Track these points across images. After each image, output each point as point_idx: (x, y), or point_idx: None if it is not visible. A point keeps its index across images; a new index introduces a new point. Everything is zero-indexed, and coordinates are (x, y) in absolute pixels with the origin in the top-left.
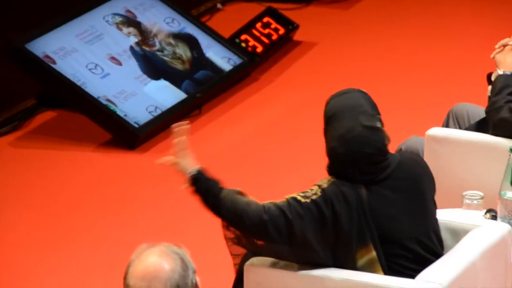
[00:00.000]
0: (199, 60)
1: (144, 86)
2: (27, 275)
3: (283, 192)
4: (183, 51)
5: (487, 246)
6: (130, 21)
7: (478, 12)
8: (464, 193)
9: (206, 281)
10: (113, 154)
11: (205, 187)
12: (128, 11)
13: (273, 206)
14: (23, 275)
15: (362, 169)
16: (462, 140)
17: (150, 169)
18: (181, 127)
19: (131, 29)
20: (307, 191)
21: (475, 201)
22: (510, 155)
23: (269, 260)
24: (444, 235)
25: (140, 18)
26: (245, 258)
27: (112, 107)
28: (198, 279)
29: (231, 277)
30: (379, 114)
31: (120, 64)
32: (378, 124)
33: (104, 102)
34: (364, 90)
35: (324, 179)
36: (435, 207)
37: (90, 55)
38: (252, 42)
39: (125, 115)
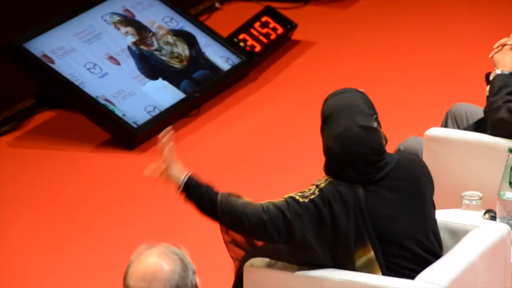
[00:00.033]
0: (198, 59)
1: (143, 86)
2: (26, 275)
3: (281, 192)
4: (182, 49)
5: (486, 247)
6: (128, 20)
7: (477, 12)
8: (463, 193)
9: (206, 282)
10: (111, 154)
11: (199, 193)
12: (127, 10)
13: (272, 206)
14: (22, 275)
15: (359, 169)
16: (461, 140)
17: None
18: (167, 136)
19: (128, 29)
20: (305, 191)
21: (474, 202)
22: (508, 155)
23: (268, 261)
24: (443, 235)
25: (138, 17)
26: (244, 259)
27: (111, 107)
28: (198, 279)
29: (231, 278)
30: (376, 114)
31: (118, 63)
32: (375, 124)
33: (103, 102)
34: (361, 90)
35: (321, 178)
36: (433, 207)
37: (89, 55)
38: (250, 42)
39: (124, 115)
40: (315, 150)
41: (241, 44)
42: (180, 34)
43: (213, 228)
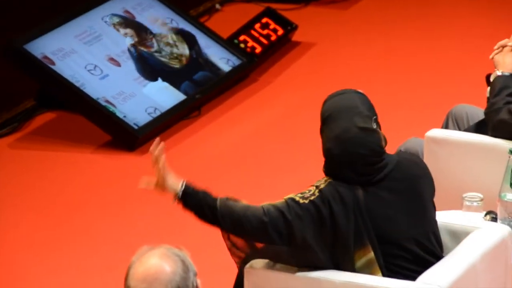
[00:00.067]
0: (198, 60)
1: (143, 87)
2: (27, 276)
3: (282, 193)
4: (182, 49)
5: (487, 248)
6: (127, 22)
7: (477, 13)
8: (464, 195)
9: (207, 283)
10: (112, 155)
11: (197, 200)
12: (127, 11)
13: (272, 207)
14: (23, 276)
15: (358, 170)
16: (462, 142)
17: (149, 171)
18: (159, 148)
19: (128, 30)
20: (305, 192)
21: (474, 203)
22: (509, 157)
23: (268, 262)
24: (444, 237)
25: (138, 18)
26: (244, 261)
27: (111, 108)
28: (199, 281)
29: (232, 279)
30: (375, 115)
31: (119, 65)
32: (374, 126)
33: (103, 103)
34: (361, 91)
35: (321, 179)
36: (434, 208)
37: (89, 56)
38: (251, 43)
39: (124, 116)
40: (315, 151)
41: (242, 45)
42: (182, 33)
43: (214, 229)
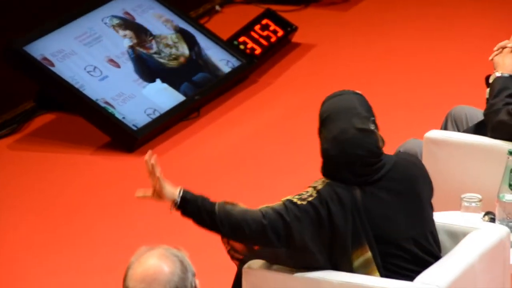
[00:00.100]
0: (197, 61)
1: (143, 88)
2: (27, 277)
3: (281, 194)
4: (182, 49)
5: (485, 249)
6: (127, 23)
7: (477, 14)
8: (463, 195)
9: (206, 284)
10: (111, 156)
11: (196, 207)
12: (127, 13)
13: (271, 210)
14: (23, 277)
15: (355, 171)
16: (461, 143)
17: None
18: (153, 158)
19: (127, 32)
20: (303, 193)
21: (473, 204)
22: (508, 158)
23: (267, 262)
24: (443, 237)
25: (138, 20)
26: (243, 261)
27: (111, 109)
28: (197, 281)
29: (230, 279)
30: (373, 116)
31: (118, 66)
32: (372, 127)
33: (103, 105)
34: (359, 92)
35: (318, 180)
36: (432, 208)
37: (89, 58)
38: (250, 44)
39: (124, 117)
40: (315, 153)
41: (241, 46)
42: (182, 33)
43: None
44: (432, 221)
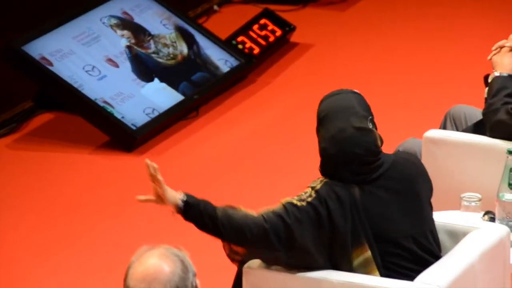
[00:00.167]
0: (196, 61)
1: (141, 88)
2: (27, 277)
3: (280, 193)
4: (180, 47)
5: (485, 248)
6: (125, 23)
7: (476, 13)
8: (462, 195)
9: (206, 284)
10: (110, 156)
11: (198, 211)
12: (125, 12)
13: (271, 213)
14: (23, 277)
15: (353, 170)
16: (460, 142)
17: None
18: (153, 164)
19: (125, 32)
20: (301, 194)
21: (473, 203)
22: (507, 157)
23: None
24: (442, 237)
25: (137, 19)
26: (243, 261)
27: (109, 109)
28: (198, 281)
29: (231, 279)
30: (371, 115)
31: (117, 66)
32: (370, 125)
33: (101, 104)
34: (357, 91)
35: (316, 180)
36: (431, 207)
37: (87, 57)
38: (249, 44)
39: (123, 117)
40: (314, 152)
41: (240, 46)
42: (181, 31)
43: None
44: (432, 220)
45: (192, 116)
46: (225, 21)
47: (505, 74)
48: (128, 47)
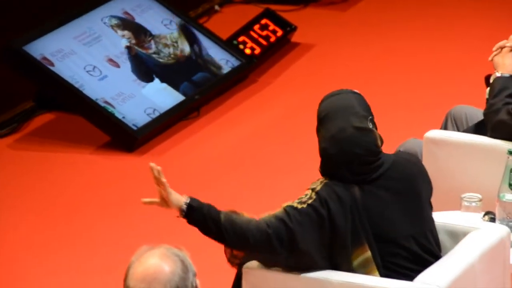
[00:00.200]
0: (197, 61)
1: (142, 88)
2: (27, 277)
3: (281, 194)
4: (182, 46)
5: (485, 248)
6: (126, 23)
7: (476, 14)
8: (463, 195)
9: (206, 284)
10: (111, 156)
11: (202, 215)
12: (126, 12)
13: (273, 219)
14: (23, 277)
15: (353, 170)
16: (461, 142)
17: (148, 171)
18: (157, 167)
19: (125, 32)
20: (302, 197)
21: (473, 203)
22: (508, 157)
23: None
24: (443, 237)
25: (138, 19)
26: (242, 261)
27: (110, 109)
28: (198, 282)
29: (231, 279)
30: (371, 115)
31: (118, 66)
32: (370, 125)
33: (102, 104)
34: (357, 91)
35: (316, 181)
36: (431, 207)
37: (88, 57)
38: (250, 44)
39: (123, 117)
40: (314, 152)
41: (241, 46)
42: (184, 30)
43: None
44: (432, 220)
45: (193, 116)
46: (226, 21)
47: (506, 75)
48: (128, 47)
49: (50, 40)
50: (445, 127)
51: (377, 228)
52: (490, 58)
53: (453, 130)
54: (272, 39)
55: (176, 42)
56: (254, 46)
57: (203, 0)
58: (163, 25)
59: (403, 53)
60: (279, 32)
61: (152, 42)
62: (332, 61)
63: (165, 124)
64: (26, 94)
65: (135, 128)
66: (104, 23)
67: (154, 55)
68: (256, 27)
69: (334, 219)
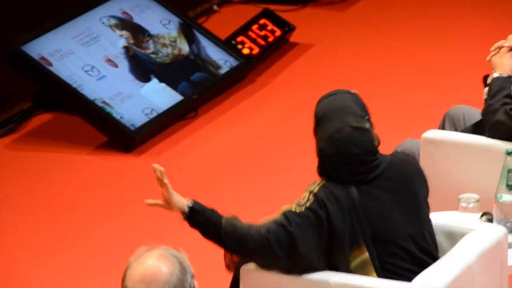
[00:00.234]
0: (196, 61)
1: (140, 88)
2: (26, 277)
3: (279, 194)
4: (181, 46)
5: (483, 249)
6: (124, 23)
7: (475, 14)
8: (460, 196)
9: (204, 285)
10: (109, 156)
11: (204, 219)
12: (125, 12)
13: (273, 224)
14: (22, 277)
15: (351, 169)
16: (458, 143)
17: (146, 172)
18: (160, 168)
19: (123, 32)
20: (300, 200)
21: (471, 204)
22: (506, 158)
23: None
24: (440, 238)
25: (136, 19)
26: (240, 263)
27: (108, 109)
28: (196, 283)
29: (229, 281)
30: (368, 115)
31: (116, 66)
32: (367, 125)
33: (100, 105)
34: (354, 91)
35: (313, 183)
36: (428, 208)
37: (87, 57)
38: (248, 44)
39: (121, 117)
40: (313, 152)
41: (239, 46)
42: (184, 30)
43: None
44: (429, 220)
45: (191, 116)
46: (225, 21)
47: (504, 75)
48: (126, 47)
49: (48, 40)
50: (442, 127)
51: (375, 229)
52: (488, 58)
53: (451, 130)
54: (271, 39)
55: (175, 41)
56: (253, 46)
57: (202, 0)
58: (161, 25)
59: (402, 53)
60: (278, 32)
61: (151, 42)
62: (330, 61)
63: (163, 124)
64: (25, 94)
65: (133, 128)
66: (103, 23)
67: (152, 55)
68: (255, 27)
69: (332, 220)
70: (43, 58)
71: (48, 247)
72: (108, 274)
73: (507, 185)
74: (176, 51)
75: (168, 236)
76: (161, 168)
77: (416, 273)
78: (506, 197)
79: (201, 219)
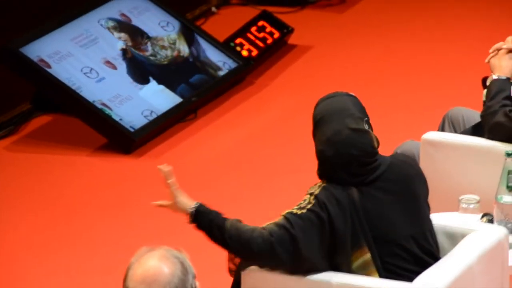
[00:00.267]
0: (195, 63)
1: (140, 90)
2: (27, 278)
3: (279, 196)
4: (180, 47)
5: (484, 250)
6: (122, 25)
7: (475, 16)
8: (461, 197)
9: (206, 286)
10: (108, 158)
11: (209, 220)
12: (123, 14)
13: (275, 226)
14: (23, 278)
15: (351, 171)
16: (458, 144)
17: (146, 173)
18: (168, 169)
19: (122, 34)
20: (301, 203)
21: (471, 205)
22: (505, 159)
23: None
24: (441, 239)
25: (135, 21)
26: (241, 264)
27: (108, 111)
28: (197, 284)
29: (230, 281)
30: (367, 117)
31: (115, 68)
32: (365, 127)
33: (99, 106)
34: (352, 94)
35: (314, 185)
36: (428, 208)
37: (85, 59)
38: (247, 46)
39: (121, 119)
40: (312, 154)
41: (238, 48)
42: (184, 32)
43: None
44: (430, 220)
45: (190, 118)
46: (223, 23)
47: (503, 77)
48: (124, 49)
49: (47, 42)
50: (442, 129)
51: (377, 229)
52: (486, 60)
53: (451, 132)
54: (269, 41)
55: (174, 43)
56: (251, 48)
57: (200, 2)
58: (160, 27)
59: (400, 55)
60: (276, 34)
61: (149, 44)
62: (329, 63)
63: (162, 126)
64: (23, 96)
65: (132, 130)
66: (101, 25)
67: (151, 57)
68: (253, 29)
69: (334, 222)
70: (41, 60)
71: (49, 248)
72: (108, 275)
73: (507, 187)
74: (175, 53)
75: (168, 236)
76: (166, 169)
77: (418, 273)
78: (506, 198)
79: (205, 222)
